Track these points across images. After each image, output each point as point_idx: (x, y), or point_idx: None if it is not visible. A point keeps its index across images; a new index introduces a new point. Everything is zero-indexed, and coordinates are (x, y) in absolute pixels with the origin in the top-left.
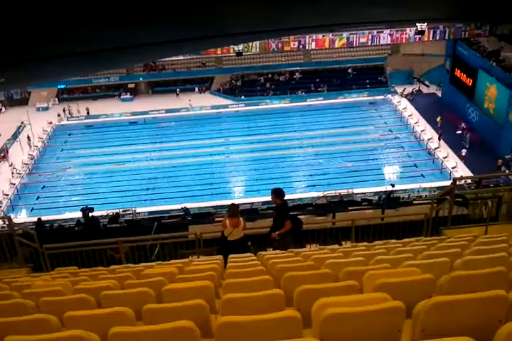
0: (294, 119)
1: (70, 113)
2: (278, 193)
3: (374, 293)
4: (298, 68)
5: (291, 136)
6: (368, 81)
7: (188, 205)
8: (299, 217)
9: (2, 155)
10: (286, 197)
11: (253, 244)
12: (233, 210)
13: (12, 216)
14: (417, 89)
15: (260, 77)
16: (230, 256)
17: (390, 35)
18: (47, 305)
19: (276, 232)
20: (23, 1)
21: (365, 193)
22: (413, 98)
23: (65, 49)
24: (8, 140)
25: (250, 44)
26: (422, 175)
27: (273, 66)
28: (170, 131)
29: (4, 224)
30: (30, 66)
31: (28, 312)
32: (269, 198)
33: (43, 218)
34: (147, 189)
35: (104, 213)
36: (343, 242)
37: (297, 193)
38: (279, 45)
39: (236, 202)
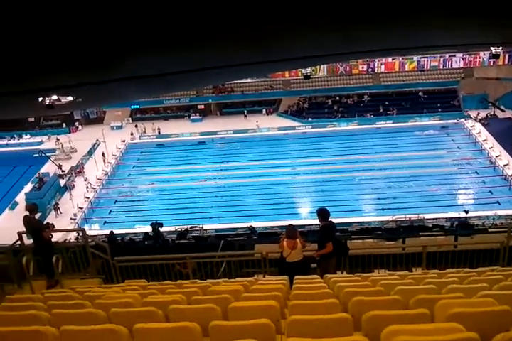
0: (363, 142)
1: (144, 131)
2: (321, 213)
3: (447, 322)
4: (366, 91)
5: (359, 158)
6: (439, 105)
7: (254, 224)
8: (367, 240)
9: (78, 170)
10: (354, 220)
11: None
12: (290, 232)
13: (86, 228)
14: (492, 113)
15: (328, 99)
16: (296, 277)
17: (462, 58)
18: (117, 316)
19: (317, 253)
20: (99, 22)
21: (436, 219)
22: (488, 122)
23: (138, 71)
24: (84, 156)
25: (318, 67)
26: (497, 202)
27: (341, 89)
28: (237, 151)
29: (78, 236)
30: (106, 87)
31: (99, 322)
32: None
33: (115, 231)
34: (212, 207)
35: (172, 229)
36: (413, 269)
37: (365, 216)
38: (347, 68)
39: (302, 223)
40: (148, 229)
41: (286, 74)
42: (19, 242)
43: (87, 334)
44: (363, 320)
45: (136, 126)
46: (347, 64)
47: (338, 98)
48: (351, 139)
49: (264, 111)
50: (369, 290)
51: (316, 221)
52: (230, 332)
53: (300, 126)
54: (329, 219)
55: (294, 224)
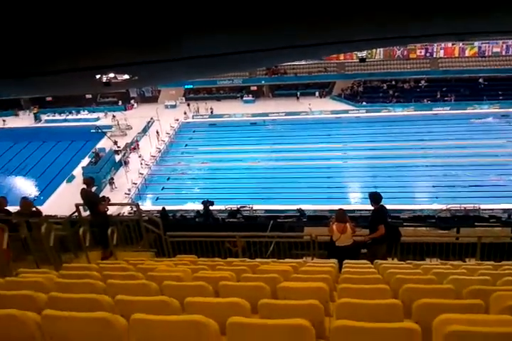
0: (418, 128)
1: (197, 111)
2: (373, 197)
3: (502, 314)
4: (424, 76)
5: (413, 144)
6: (500, 92)
7: (303, 207)
8: (419, 228)
9: (133, 147)
10: (406, 207)
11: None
12: (340, 216)
13: (139, 203)
14: None
15: (383, 83)
16: (345, 261)
17: None
18: (169, 288)
19: (368, 236)
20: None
21: (493, 210)
22: None
23: (192, 51)
24: (139, 133)
25: (374, 50)
26: None
27: (397, 73)
28: (289, 134)
29: (132, 210)
30: (163, 66)
31: (151, 294)
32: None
33: (166, 208)
34: (262, 188)
35: (222, 207)
36: (467, 259)
37: (418, 204)
38: (405, 52)
39: (352, 207)
40: (199, 206)
41: (341, 56)
42: (76, 214)
43: (140, 305)
44: (414, 307)
45: (188, 104)
46: (404, 48)
47: (394, 82)
48: (406, 125)
49: (317, 93)
50: (421, 278)
51: (366, 206)
52: (278, 311)
53: (353, 110)
54: (380, 204)
55: (344, 208)
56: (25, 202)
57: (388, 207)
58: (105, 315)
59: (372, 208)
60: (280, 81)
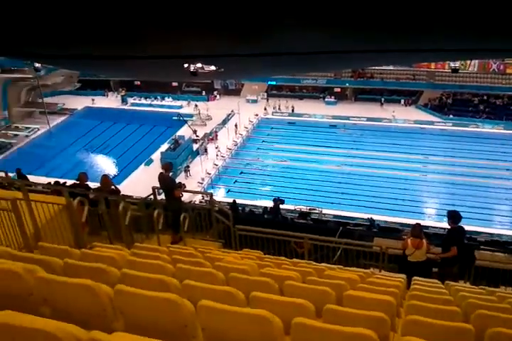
0: (506, 148)
1: (278, 108)
2: (453, 216)
3: None
4: None
5: (499, 165)
6: None
7: (374, 217)
8: (496, 254)
9: (211, 137)
10: (484, 230)
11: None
12: (417, 230)
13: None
14: None
15: (474, 97)
16: (415, 278)
17: None
18: (235, 280)
19: (440, 255)
20: None
21: None
22: None
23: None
24: (218, 125)
25: (468, 62)
26: None
27: (490, 88)
28: (368, 140)
29: (203, 199)
30: (250, 60)
31: (217, 283)
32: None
33: (237, 201)
34: (334, 192)
35: (291, 207)
36: None
37: (497, 228)
38: (501, 66)
39: (425, 223)
40: (269, 203)
41: (432, 65)
42: (152, 197)
43: (206, 292)
44: (486, 335)
45: (267, 100)
46: (501, 62)
47: (485, 97)
48: (494, 143)
49: (402, 101)
50: (495, 305)
51: (441, 224)
52: (344, 318)
53: (439, 122)
54: (459, 224)
55: (420, 223)
56: (106, 179)
57: (465, 227)
58: (174, 296)
59: (448, 227)
60: (365, 85)
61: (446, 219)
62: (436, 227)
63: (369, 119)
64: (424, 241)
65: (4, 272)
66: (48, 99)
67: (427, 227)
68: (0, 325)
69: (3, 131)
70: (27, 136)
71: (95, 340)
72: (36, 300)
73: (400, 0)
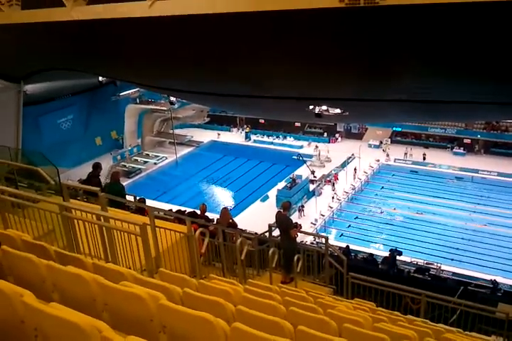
0: None
1: (410, 155)
2: None
3: None
4: None
5: None
6: None
7: (498, 279)
8: None
9: (328, 179)
10: None
11: None
12: None
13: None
14: None
15: None
16: None
17: None
18: (348, 331)
19: None
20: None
21: None
22: None
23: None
24: (337, 167)
25: None
26: None
27: None
28: (496, 196)
29: (314, 240)
30: (376, 106)
31: (330, 332)
32: None
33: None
34: (456, 248)
35: (408, 259)
36: None
37: None
38: None
39: None
40: (383, 253)
41: None
42: (267, 234)
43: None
44: None
45: (384, 149)
46: None
47: None
48: None
49: None
50: None
51: None
52: None
53: None
54: None
55: None
56: (226, 212)
57: None
58: None
59: None
60: (498, 138)
61: None
62: None
63: (500, 174)
64: None
65: (130, 295)
66: (177, 131)
67: None
68: None
69: (134, 158)
70: (155, 164)
71: None
72: (156, 326)
73: None
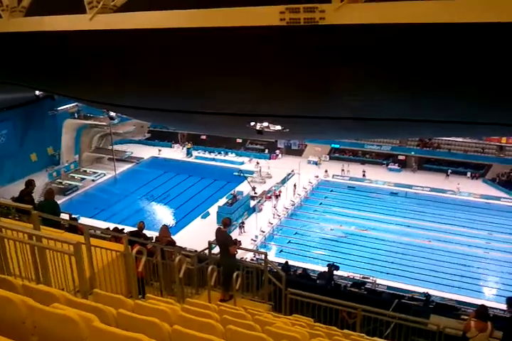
0: None
1: (347, 171)
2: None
3: None
4: None
5: None
6: None
7: (431, 292)
8: None
9: (269, 195)
10: None
11: None
12: (482, 312)
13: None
14: None
15: None
16: None
17: None
18: None
19: None
20: None
21: None
22: None
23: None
24: (277, 183)
25: None
26: None
27: None
28: (429, 210)
29: (254, 257)
30: (315, 122)
31: None
32: None
33: (289, 262)
34: (390, 262)
35: (344, 274)
36: None
37: None
38: None
39: (486, 304)
40: (321, 267)
41: (503, 140)
42: (206, 251)
43: None
44: None
45: (317, 163)
46: None
47: None
48: None
49: (468, 174)
50: None
51: (503, 305)
52: None
53: (507, 198)
54: None
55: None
56: (165, 230)
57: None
58: None
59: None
60: (431, 154)
61: (506, 305)
62: (497, 308)
63: (433, 190)
64: (489, 324)
65: (61, 318)
66: (117, 147)
67: (487, 308)
68: None
69: (71, 174)
70: (93, 181)
71: None
72: None
73: None
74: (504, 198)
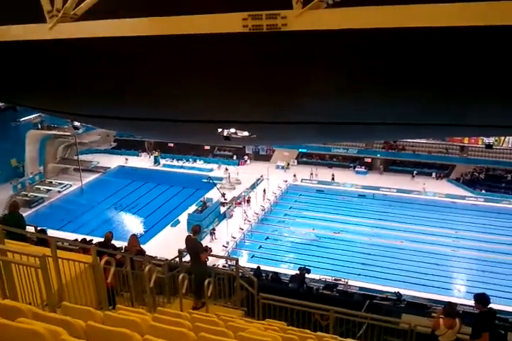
0: None
1: (315, 175)
2: (479, 299)
3: None
4: None
5: None
6: None
7: (401, 291)
8: None
9: (239, 201)
10: None
11: None
12: (450, 310)
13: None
14: None
15: (508, 173)
16: None
17: None
18: None
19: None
20: None
21: None
22: None
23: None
24: (247, 189)
25: (502, 138)
26: None
27: None
28: (397, 211)
29: (226, 263)
30: (281, 128)
31: None
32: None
33: (261, 267)
34: (361, 264)
35: (316, 277)
36: None
37: None
38: None
39: (455, 301)
40: (293, 271)
41: (466, 140)
42: (177, 259)
43: None
44: None
45: (284, 167)
46: None
47: None
48: None
49: (433, 174)
50: None
51: (471, 302)
52: None
53: (471, 196)
54: (489, 307)
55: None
56: (134, 239)
57: (495, 307)
58: None
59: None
60: (396, 156)
61: (474, 302)
62: (466, 305)
63: (399, 191)
64: (457, 320)
65: (28, 332)
66: (83, 157)
67: (455, 305)
68: None
69: (36, 186)
70: (59, 192)
71: None
72: None
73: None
74: (469, 197)
